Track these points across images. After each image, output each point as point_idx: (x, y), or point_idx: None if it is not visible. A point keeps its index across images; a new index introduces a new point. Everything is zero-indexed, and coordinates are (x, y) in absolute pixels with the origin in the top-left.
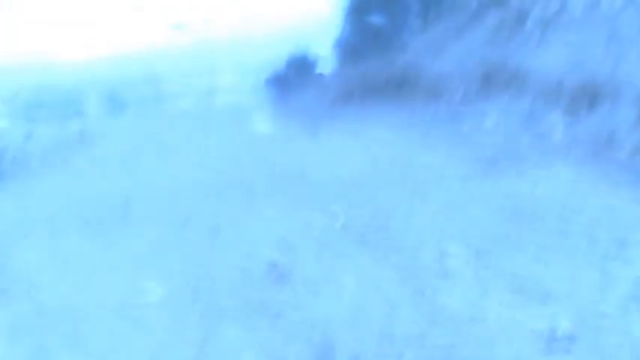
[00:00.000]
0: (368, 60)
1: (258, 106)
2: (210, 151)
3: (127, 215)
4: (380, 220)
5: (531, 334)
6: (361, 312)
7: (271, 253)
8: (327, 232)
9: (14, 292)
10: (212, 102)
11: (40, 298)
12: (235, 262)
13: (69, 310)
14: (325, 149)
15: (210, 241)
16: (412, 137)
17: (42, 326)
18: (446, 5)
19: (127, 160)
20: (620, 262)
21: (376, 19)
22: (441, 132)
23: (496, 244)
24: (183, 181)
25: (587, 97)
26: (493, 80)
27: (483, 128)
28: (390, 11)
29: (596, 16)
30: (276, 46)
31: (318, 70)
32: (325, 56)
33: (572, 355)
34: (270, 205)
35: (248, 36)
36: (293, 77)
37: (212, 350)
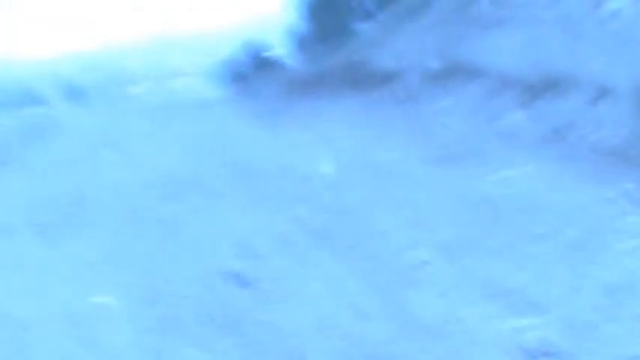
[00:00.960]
0: (321, 51)
1: (216, 101)
2: (169, 146)
3: (80, 217)
4: (345, 221)
5: (510, 345)
6: (329, 322)
7: (231, 258)
8: (289, 234)
9: None
10: (171, 96)
11: None
12: (193, 269)
13: (11, 319)
14: (284, 145)
15: (167, 245)
16: (370, 132)
17: None
18: None
19: (83, 155)
20: (593, 265)
21: (326, 9)
22: (398, 125)
23: (466, 246)
24: (140, 178)
25: (546, 88)
26: (448, 70)
27: (441, 121)
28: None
29: (551, 4)
30: (231, 40)
31: (272, 63)
32: (279, 48)
33: None
34: (230, 205)
35: (203, 30)
36: (248, 70)
37: None
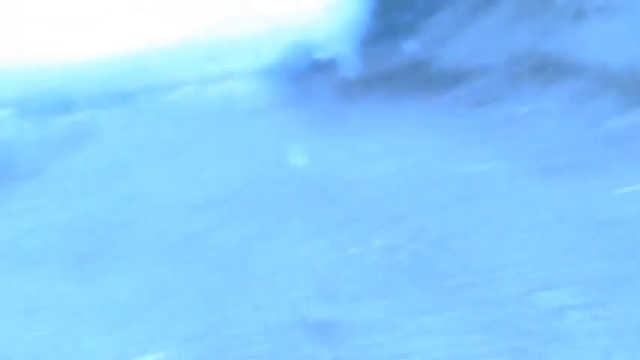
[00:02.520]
0: (382, 49)
1: (268, 106)
2: (218, 158)
3: (119, 244)
4: (440, 251)
5: None
6: None
7: (309, 301)
8: (375, 269)
9: None
10: (217, 101)
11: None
12: (262, 316)
13: None
14: (349, 158)
15: (225, 283)
16: (446, 140)
17: None
18: None
19: (122, 168)
20: None
21: (387, 3)
22: (478, 132)
23: (615, 283)
24: (188, 197)
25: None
26: (534, 68)
27: (530, 127)
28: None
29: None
30: (283, 41)
31: (328, 64)
32: (335, 48)
33: None
34: (296, 230)
35: (253, 31)
36: (302, 72)
37: None
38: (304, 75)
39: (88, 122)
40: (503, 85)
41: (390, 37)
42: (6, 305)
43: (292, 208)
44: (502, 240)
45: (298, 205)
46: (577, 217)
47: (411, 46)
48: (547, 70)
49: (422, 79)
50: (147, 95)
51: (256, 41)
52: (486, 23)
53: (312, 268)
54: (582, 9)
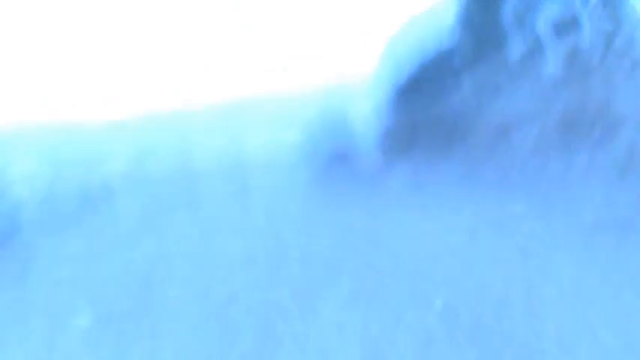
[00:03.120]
0: (417, 101)
1: (299, 167)
2: (251, 219)
3: (152, 306)
4: (503, 312)
5: None
6: None
7: None
8: (432, 336)
9: None
10: (249, 159)
11: None
12: None
13: None
14: (389, 218)
15: (271, 349)
16: (497, 196)
17: None
18: (502, 33)
19: (153, 223)
20: None
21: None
22: (530, 188)
23: None
24: (227, 252)
25: None
26: (573, 123)
27: (577, 181)
28: (437, 56)
29: None
30: (313, 102)
31: (361, 124)
32: (367, 106)
33: None
34: (345, 294)
35: (282, 93)
36: (333, 133)
37: None
38: (336, 135)
39: (121, 175)
40: (554, 138)
41: (426, 86)
42: None
43: (341, 266)
44: (571, 299)
45: (347, 263)
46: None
47: (453, 98)
48: (600, 123)
49: (462, 132)
50: (176, 153)
51: (283, 102)
52: (536, 73)
53: (362, 335)
54: (638, 60)
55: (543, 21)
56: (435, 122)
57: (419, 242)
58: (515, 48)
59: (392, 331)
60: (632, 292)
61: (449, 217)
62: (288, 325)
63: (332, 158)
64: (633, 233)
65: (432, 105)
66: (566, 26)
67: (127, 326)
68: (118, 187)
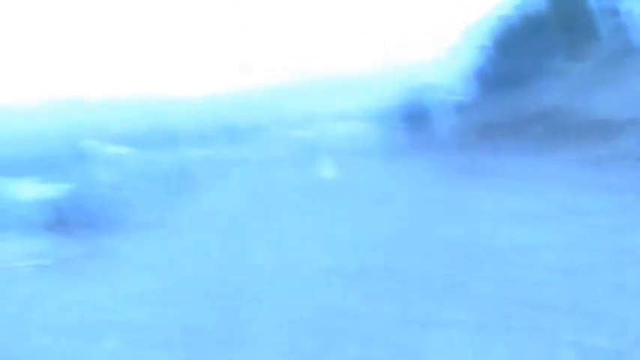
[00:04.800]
0: (509, 94)
1: (387, 149)
2: (346, 213)
3: (244, 320)
4: None
5: None
6: None
7: None
8: None
9: None
10: (336, 141)
11: None
12: None
13: None
14: (496, 220)
15: None
16: (605, 201)
17: None
18: (597, 31)
19: (243, 217)
20: None
21: (517, 41)
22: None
23: None
24: (317, 260)
25: None
26: None
27: None
28: (528, 40)
29: None
30: (400, 81)
31: (448, 107)
32: (457, 90)
33: None
34: (453, 315)
35: (368, 71)
36: (421, 116)
37: None
38: (422, 118)
39: (211, 160)
40: None
41: (520, 79)
42: None
43: (445, 280)
44: None
45: (451, 278)
46: None
47: (548, 93)
48: None
49: (557, 129)
50: (264, 132)
51: (370, 81)
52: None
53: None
54: None
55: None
56: (525, 120)
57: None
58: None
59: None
60: None
61: (551, 222)
62: (390, 345)
63: (416, 144)
64: None
65: (526, 97)
66: None
67: (208, 347)
68: (208, 172)
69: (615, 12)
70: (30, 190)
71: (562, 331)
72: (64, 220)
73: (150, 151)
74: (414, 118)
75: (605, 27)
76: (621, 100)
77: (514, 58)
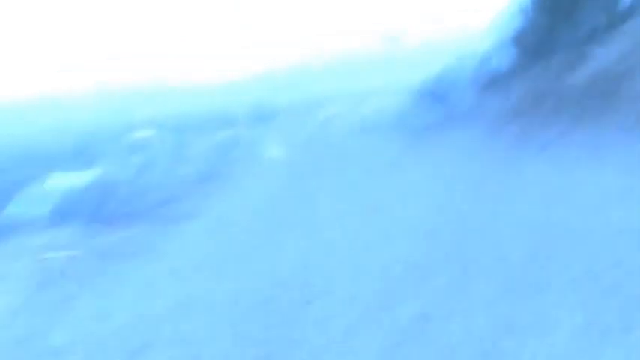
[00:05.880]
0: (558, 61)
1: (426, 125)
2: (395, 196)
3: (305, 329)
4: None
5: None
6: None
7: None
8: None
9: None
10: (370, 119)
11: None
12: None
13: None
14: (564, 201)
15: None
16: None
17: None
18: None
19: (285, 202)
20: None
21: (565, 9)
22: None
23: None
24: (373, 254)
25: None
26: None
27: None
28: (576, 5)
29: None
30: (437, 55)
31: (492, 79)
32: (500, 60)
33: None
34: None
35: (404, 46)
36: (461, 89)
37: None
38: (463, 91)
39: (243, 141)
40: None
41: (570, 45)
42: None
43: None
44: None
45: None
46: None
47: (601, 56)
48: None
49: (616, 97)
50: (297, 112)
51: (416, 56)
52: None
53: None
54: None
55: None
56: (577, 86)
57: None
58: None
59: None
60: None
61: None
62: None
63: (457, 117)
64: None
65: (573, 65)
66: None
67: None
68: (236, 157)
69: None
70: (63, 179)
71: None
72: (99, 209)
73: (181, 134)
74: (459, 90)
75: None
76: None
77: (563, 23)
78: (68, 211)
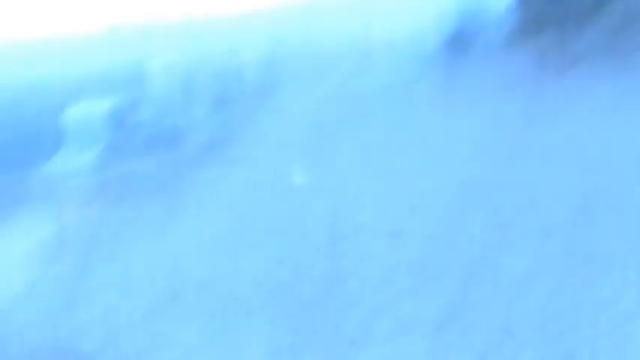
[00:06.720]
0: (571, 15)
1: (441, 78)
2: (413, 159)
3: (328, 300)
4: None
5: None
6: None
7: None
8: None
9: None
10: (380, 71)
11: None
12: None
13: None
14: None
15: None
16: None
17: None
18: None
19: (309, 157)
20: None
21: None
22: None
23: None
24: (394, 220)
25: None
26: None
27: None
28: None
29: None
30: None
31: (499, 28)
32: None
33: None
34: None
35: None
36: (470, 37)
37: None
38: (472, 40)
39: (260, 84)
40: None
41: (567, 23)
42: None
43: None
44: None
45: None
46: None
47: (594, 32)
48: None
49: (612, 65)
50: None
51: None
52: None
53: None
54: None
55: None
56: (574, 59)
57: None
58: None
59: None
60: None
61: None
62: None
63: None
64: None
65: (570, 40)
66: None
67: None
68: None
69: None
70: (92, 108)
71: None
72: (128, 137)
73: (193, 69)
74: (461, 42)
75: None
76: None
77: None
78: (97, 138)
